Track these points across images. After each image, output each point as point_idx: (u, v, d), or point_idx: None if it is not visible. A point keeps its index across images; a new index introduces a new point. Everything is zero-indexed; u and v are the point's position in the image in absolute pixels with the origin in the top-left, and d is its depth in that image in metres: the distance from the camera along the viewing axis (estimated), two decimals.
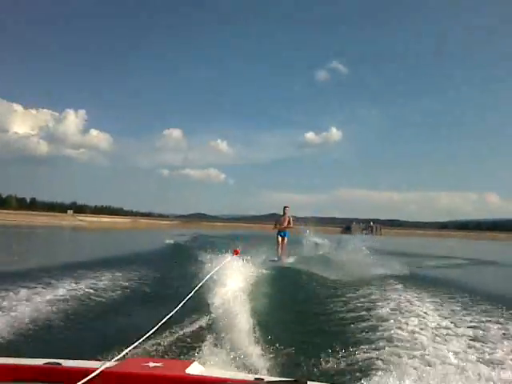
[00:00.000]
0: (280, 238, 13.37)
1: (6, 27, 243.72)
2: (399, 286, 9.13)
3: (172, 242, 23.74)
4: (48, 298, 6.82)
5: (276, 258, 13.17)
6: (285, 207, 13.64)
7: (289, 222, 13.42)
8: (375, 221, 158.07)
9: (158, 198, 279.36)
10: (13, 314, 5.65)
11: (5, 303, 6.12)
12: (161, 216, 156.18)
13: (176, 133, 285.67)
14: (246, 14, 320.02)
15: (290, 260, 13.35)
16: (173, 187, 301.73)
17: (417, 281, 10.23)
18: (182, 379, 1.55)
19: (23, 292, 7.01)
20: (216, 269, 7.21)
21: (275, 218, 14.15)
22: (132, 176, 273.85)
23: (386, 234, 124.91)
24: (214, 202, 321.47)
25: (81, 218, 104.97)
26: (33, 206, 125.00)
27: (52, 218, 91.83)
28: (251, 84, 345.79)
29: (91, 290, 8.00)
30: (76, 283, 8.33)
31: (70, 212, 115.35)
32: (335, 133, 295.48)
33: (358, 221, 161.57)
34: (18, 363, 1.70)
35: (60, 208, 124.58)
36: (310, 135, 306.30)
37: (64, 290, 7.62)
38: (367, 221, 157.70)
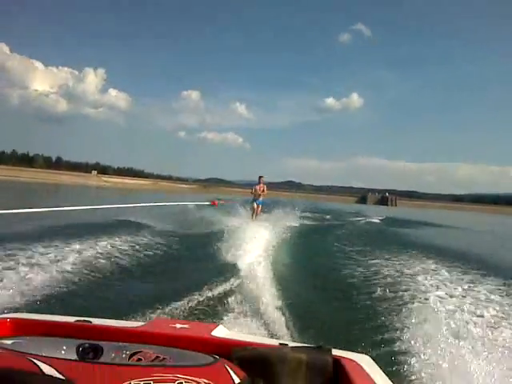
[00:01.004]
0: (255, 205, 14.98)
1: None
2: (411, 256, 9.52)
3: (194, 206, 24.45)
4: (78, 257, 6.99)
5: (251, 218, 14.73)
6: (260, 177, 15.21)
7: (263, 190, 15.03)
8: (392, 192, 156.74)
9: (175, 160, 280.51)
10: (45, 273, 5.81)
11: (37, 261, 6.28)
12: (179, 179, 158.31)
13: (194, 94, 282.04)
14: None
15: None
16: (190, 150, 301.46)
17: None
18: (207, 341, 1.58)
19: (56, 250, 7.21)
20: (198, 203, 7.85)
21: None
22: (150, 137, 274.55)
23: (402, 205, 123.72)
24: (231, 166, 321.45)
25: (105, 178, 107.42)
26: (58, 165, 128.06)
27: (78, 178, 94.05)
28: (272, 47, 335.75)
29: (120, 250, 8.18)
30: (106, 242, 8.54)
31: (94, 172, 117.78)
32: (356, 99, 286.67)
33: (374, 191, 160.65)
34: (50, 319, 1.74)
35: (84, 168, 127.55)
36: (330, 100, 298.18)
37: (94, 249, 7.81)
38: (383, 191, 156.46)
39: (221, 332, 1.73)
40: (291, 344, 1.61)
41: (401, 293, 5.92)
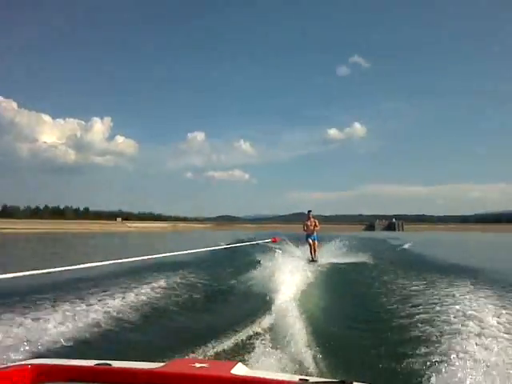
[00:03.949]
0: (310, 241, 13.99)
1: (28, 41, 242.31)
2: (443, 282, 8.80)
3: (224, 244, 23.03)
4: (98, 303, 6.85)
5: (311, 259, 13.88)
6: (309, 211, 14.35)
7: (315, 225, 14.11)
8: (402, 217, 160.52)
9: (185, 200, 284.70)
10: (66, 318, 5.72)
11: (60, 309, 6.17)
12: (194, 219, 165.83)
13: (199, 136, 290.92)
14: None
15: (323, 260, 13.98)
16: (198, 189, 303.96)
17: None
18: (226, 380, 1.57)
19: (79, 298, 7.07)
20: (260, 242, 8.73)
21: (302, 220, 15.01)
22: (159, 180, 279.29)
23: (409, 229, 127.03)
24: (239, 202, 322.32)
25: (129, 224, 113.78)
26: (86, 214, 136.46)
27: (106, 226, 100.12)
28: (271, 83, 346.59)
29: (142, 295, 7.89)
30: (127, 288, 8.22)
31: (119, 219, 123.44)
32: (359, 128, 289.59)
33: (382, 218, 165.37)
34: (70, 364, 1.75)
35: (108, 216, 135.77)
36: (332, 131, 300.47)
37: (117, 297, 7.46)
38: (391, 217, 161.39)
39: (240, 370, 1.73)
40: (312, 379, 1.63)
41: (432, 322, 5.47)
